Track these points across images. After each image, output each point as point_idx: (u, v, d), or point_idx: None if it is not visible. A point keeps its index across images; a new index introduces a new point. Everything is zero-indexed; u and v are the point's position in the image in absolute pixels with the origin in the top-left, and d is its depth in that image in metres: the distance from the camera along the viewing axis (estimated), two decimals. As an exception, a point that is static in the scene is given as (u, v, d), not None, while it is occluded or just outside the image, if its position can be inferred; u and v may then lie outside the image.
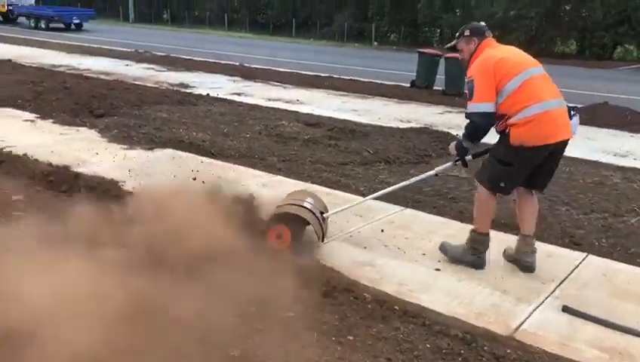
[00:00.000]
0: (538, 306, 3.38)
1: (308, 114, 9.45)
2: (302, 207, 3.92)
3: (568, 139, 3.61)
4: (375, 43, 33.62)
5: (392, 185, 5.59)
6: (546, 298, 3.49)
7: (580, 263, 4.00)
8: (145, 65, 15.52)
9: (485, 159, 3.79)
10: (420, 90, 13.24)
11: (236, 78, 13.89)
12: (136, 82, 11.94)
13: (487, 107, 3.52)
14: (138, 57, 17.23)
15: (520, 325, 3.17)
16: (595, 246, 4.36)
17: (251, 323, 3.07)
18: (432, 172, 4.10)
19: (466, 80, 3.72)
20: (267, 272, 3.57)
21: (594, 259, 4.07)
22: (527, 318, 3.24)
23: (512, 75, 3.51)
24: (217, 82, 13.04)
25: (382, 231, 4.44)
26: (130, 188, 5.02)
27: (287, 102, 10.72)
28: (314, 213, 3.91)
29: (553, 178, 6.03)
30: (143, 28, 38.42)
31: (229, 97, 10.76)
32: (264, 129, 8.03)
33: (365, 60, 21.72)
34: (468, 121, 3.65)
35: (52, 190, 4.95)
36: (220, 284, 3.24)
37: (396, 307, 3.28)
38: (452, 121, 9.40)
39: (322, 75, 15.41)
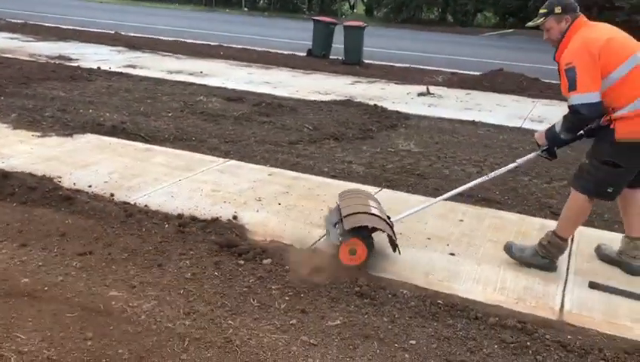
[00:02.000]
0: (565, 285, 3.38)
1: (221, 88, 8.85)
2: (374, 215, 3.37)
3: None
4: (245, 9, 32.69)
5: (354, 164, 5.44)
6: (567, 275, 3.51)
7: (573, 236, 4.08)
8: (6, 34, 13.62)
9: (585, 163, 3.32)
10: (318, 60, 13.04)
11: (120, 48, 12.68)
12: (6, 55, 10.39)
13: (594, 97, 3.09)
14: (-8, 25, 15.07)
15: (562, 307, 3.14)
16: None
17: (298, 336, 2.72)
18: (513, 164, 3.65)
19: (564, 66, 3.19)
20: (288, 276, 3.22)
21: (583, 230, 4.17)
22: (563, 299, 3.22)
23: (620, 61, 3.10)
24: (100, 53, 11.80)
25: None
26: (72, 185, 4.28)
27: (190, 74, 9.98)
28: (387, 222, 3.42)
29: (505, 149, 6.35)
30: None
31: (123, 70, 9.76)
32: (184, 106, 7.36)
33: (243, 27, 21.03)
34: (570, 112, 3.21)
35: (-26, 193, 4.05)
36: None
37: (439, 301, 3.09)
38: (368, 93, 9.35)
39: (212, 43, 14.61)
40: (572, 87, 3.14)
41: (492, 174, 3.78)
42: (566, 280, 3.45)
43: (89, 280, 3.05)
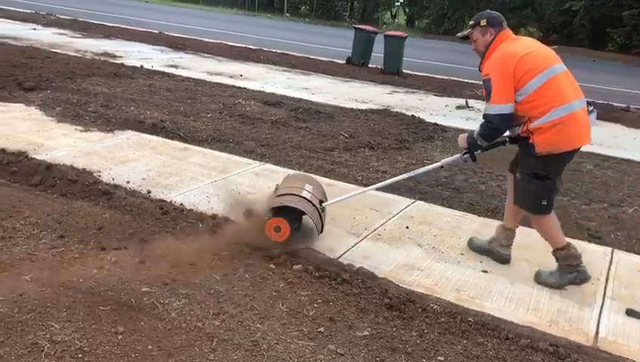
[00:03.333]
0: (601, 310, 3.29)
1: (260, 91, 8.92)
2: (301, 197, 3.63)
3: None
4: (287, 14, 32.97)
5: (388, 174, 5.42)
6: (603, 299, 3.41)
7: (612, 259, 3.98)
8: (55, 30, 14.01)
9: (519, 180, 3.46)
10: (357, 68, 13.06)
11: (163, 48, 12.92)
12: (55, 50, 10.68)
13: (506, 108, 3.24)
14: (43, 21, 15.56)
15: (597, 333, 3.05)
16: (614, 240, 4.38)
17: (325, 344, 2.71)
18: (437, 164, 3.81)
19: (483, 77, 3.35)
20: (318, 282, 3.22)
21: (622, 255, 4.06)
22: (598, 324, 3.13)
23: (535, 73, 3.22)
24: (143, 52, 12.06)
25: (407, 227, 4.17)
26: (111, 180, 4.37)
27: (230, 76, 10.10)
28: (313, 204, 3.64)
29: None
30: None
31: (165, 70, 9.93)
32: (223, 108, 7.44)
33: (284, 32, 21.23)
34: (484, 120, 3.35)
35: (19, 183, 4.17)
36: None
37: (469, 319, 3.04)
38: (406, 103, 9.30)
39: (252, 47, 14.80)
40: (487, 97, 3.33)
41: (418, 170, 3.91)
42: (602, 305, 3.36)
43: (123, 274, 3.09)
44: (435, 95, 10.56)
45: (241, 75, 10.31)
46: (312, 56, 14.18)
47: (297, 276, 3.27)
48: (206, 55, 12.70)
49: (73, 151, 5.00)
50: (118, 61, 10.31)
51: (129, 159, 5.01)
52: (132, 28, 16.26)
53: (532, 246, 4.02)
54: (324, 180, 4.99)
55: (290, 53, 14.59)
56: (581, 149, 3.41)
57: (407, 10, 33.24)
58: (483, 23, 3.45)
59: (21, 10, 17.73)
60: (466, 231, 4.19)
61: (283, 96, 8.66)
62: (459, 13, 28.39)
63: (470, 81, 12.27)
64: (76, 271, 3.08)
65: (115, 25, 16.28)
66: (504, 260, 3.75)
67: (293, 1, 33.86)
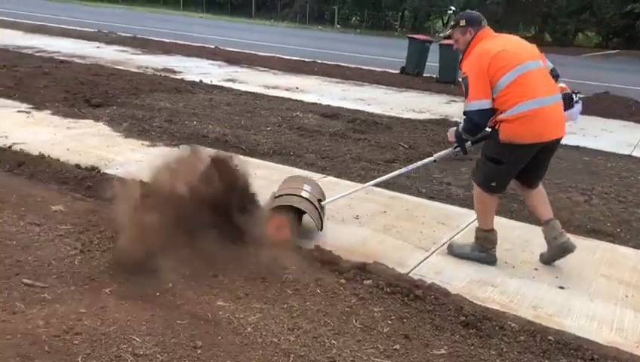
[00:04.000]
0: (692, 330, 3.12)
1: (317, 104, 8.97)
2: (300, 197, 3.82)
3: (561, 137, 3.52)
4: (338, 26, 33.15)
5: (453, 186, 5.33)
6: (693, 319, 3.23)
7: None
8: (116, 47, 14.55)
9: (478, 158, 3.68)
10: (412, 77, 12.97)
11: (220, 63, 13.21)
12: (118, 67, 11.08)
13: (483, 104, 3.38)
14: (106, 38, 16.20)
15: (688, 355, 2.89)
16: None
17: (402, 364, 2.66)
18: (430, 158, 3.97)
19: (462, 75, 3.52)
20: (390, 298, 3.18)
21: None
22: (689, 345, 2.96)
23: (507, 69, 3.34)
24: (201, 67, 12.35)
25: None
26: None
27: (286, 89, 10.21)
28: (312, 203, 3.82)
29: (615, 178, 6.02)
30: (91, 5, 36.48)
31: (224, 84, 10.14)
32: (282, 121, 7.52)
33: (336, 44, 21.35)
34: (465, 117, 3.51)
35: (93, 197, 4.31)
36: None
37: (550, 337, 2.92)
38: (465, 112, 9.12)
39: (306, 59, 14.92)
40: (465, 94, 3.46)
41: (410, 166, 4.11)
42: (692, 325, 3.17)
43: (197, 288, 3.14)
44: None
45: (297, 88, 10.40)
46: (365, 67, 14.18)
47: (369, 291, 3.23)
48: (261, 68, 12.90)
49: (143, 166, 5.14)
50: (178, 76, 10.60)
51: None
52: (188, 43, 16.69)
53: (614, 262, 3.86)
54: (386, 193, 4.97)
55: (343, 64, 14.64)
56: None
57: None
58: (462, 23, 3.61)
59: (85, 29, 18.51)
60: (538, 244, 4.04)
61: (339, 108, 8.68)
62: (513, 19, 27.86)
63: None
64: (153, 285, 3.14)
65: (172, 41, 16.76)
66: (568, 248, 3.66)
67: (344, 12, 33.99)
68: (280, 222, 3.65)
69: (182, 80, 10.17)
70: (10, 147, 5.31)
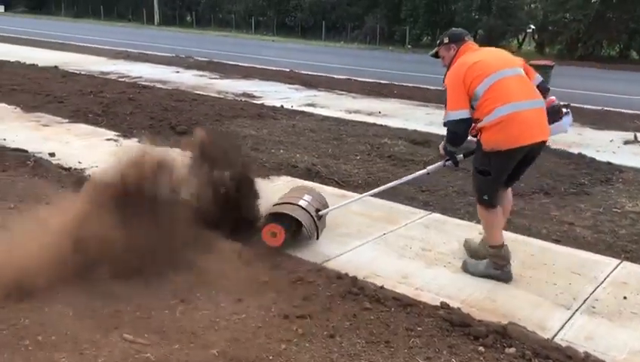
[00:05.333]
0: None
1: (403, 129, 8.51)
2: (297, 205, 3.90)
3: (545, 141, 3.44)
4: (409, 46, 32.66)
5: (577, 227, 4.75)
6: None
7: None
8: (195, 72, 14.67)
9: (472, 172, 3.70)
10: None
11: (297, 86, 13.01)
12: (199, 92, 11.08)
13: (460, 114, 3.41)
14: (183, 63, 16.44)
15: None
16: None
17: None
18: (423, 171, 4.02)
19: (443, 88, 3.58)
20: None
21: None
22: None
23: (482, 78, 3.37)
24: (280, 91, 12.18)
25: (624, 298, 3.47)
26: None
27: (368, 114, 9.82)
28: (308, 212, 3.89)
29: None
30: (169, 31, 37.74)
31: (304, 109, 9.87)
32: (371, 149, 7.13)
33: (409, 64, 20.81)
34: (446, 129, 3.56)
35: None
36: None
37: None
38: (565, 138, 8.35)
39: (382, 81, 14.52)
40: (445, 106, 3.50)
41: (404, 178, 4.20)
42: None
43: (314, 351, 2.76)
44: (592, 128, 9.55)
45: (379, 112, 10.00)
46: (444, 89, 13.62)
47: (512, 362, 2.75)
48: (339, 92, 12.60)
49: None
50: (258, 101, 10.44)
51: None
52: (264, 67, 16.69)
53: None
54: (508, 234, 4.44)
55: (421, 85, 14.15)
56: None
57: (536, 36, 31.62)
58: (446, 40, 3.70)
59: (164, 54, 18.94)
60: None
61: (428, 134, 8.18)
62: (596, 37, 26.49)
63: (630, 112, 11.08)
64: (263, 346, 2.78)
65: (248, 65, 16.82)
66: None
67: (415, 32, 33.45)
68: (273, 229, 3.79)
69: (262, 105, 10.00)
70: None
